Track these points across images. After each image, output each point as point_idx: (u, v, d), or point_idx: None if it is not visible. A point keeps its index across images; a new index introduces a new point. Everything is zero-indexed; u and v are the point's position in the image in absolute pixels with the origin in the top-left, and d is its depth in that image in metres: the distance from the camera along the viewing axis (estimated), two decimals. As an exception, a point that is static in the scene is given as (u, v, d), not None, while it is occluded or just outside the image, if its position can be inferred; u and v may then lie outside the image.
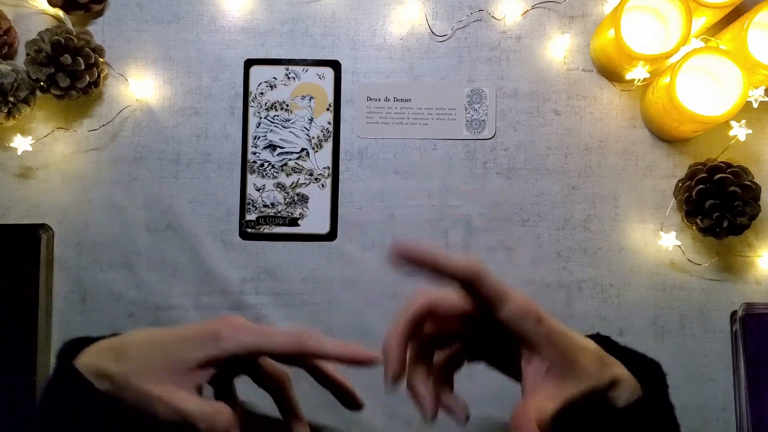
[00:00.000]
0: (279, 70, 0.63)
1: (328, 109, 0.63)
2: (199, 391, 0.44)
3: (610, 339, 0.50)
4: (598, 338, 0.48)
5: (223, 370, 0.44)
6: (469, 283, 0.42)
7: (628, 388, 0.44)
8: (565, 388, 0.42)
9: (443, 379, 0.47)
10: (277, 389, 0.49)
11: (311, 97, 0.63)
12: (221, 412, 0.43)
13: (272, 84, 0.63)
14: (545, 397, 0.41)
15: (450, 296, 0.44)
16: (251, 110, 0.63)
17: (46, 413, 0.44)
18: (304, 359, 0.47)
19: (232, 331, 0.44)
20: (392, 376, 0.43)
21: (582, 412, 0.43)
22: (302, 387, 0.60)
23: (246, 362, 0.47)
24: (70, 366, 0.44)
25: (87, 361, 0.44)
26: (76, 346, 0.46)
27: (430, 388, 0.45)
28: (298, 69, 0.63)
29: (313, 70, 0.63)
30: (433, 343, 0.46)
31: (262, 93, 0.63)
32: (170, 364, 0.43)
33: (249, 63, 0.63)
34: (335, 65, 0.63)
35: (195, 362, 0.43)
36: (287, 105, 0.63)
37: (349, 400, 0.50)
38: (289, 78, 0.63)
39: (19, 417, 0.57)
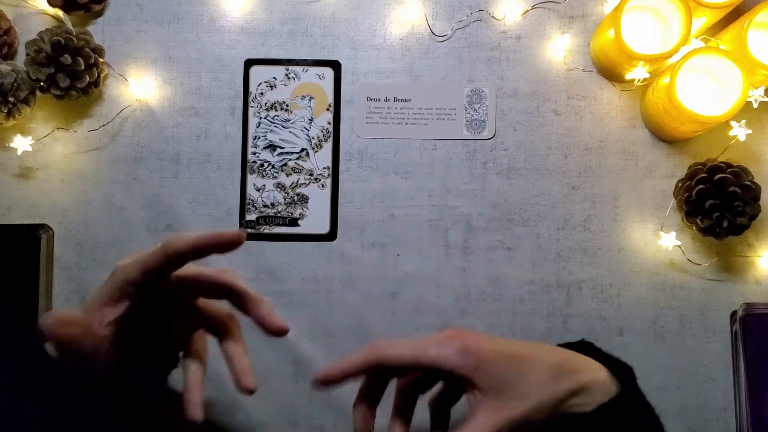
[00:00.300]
0: (279, 70, 0.63)
1: (328, 109, 0.63)
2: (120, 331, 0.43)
3: (593, 345, 0.49)
4: (582, 345, 0.48)
5: (141, 301, 0.43)
6: (377, 369, 0.44)
7: (599, 392, 0.43)
8: (503, 411, 0.42)
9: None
10: (223, 332, 0.47)
11: (311, 97, 0.63)
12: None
13: (272, 84, 0.63)
14: (476, 426, 0.42)
15: (398, 351, 0.44)
16: (251, 110, 0.63)
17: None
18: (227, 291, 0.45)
19: (128, 260, 0.43)
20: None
21: (542, 425, 0.43)
22: (302, 386, 0.61)
23: (165, 292, 0.44)
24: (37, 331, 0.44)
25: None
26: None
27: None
28: (298, 69, 0.63)
29: (313, 70, 0.63)
30: (411, 393, 0.47)
31: (262, 93, 0.63)
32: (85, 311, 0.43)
33: (249, 63, 0.63)
34: (335, 65, 0.63)
35: (99, 301, 0.42)
36: (287, 105, 0.63)
37: (241, 378, 0.46)
38: (289, 78, 0.63)
39: (20, 417, 0.57)
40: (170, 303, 0.45)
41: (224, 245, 0.43)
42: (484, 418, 0.42)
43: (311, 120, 0.63)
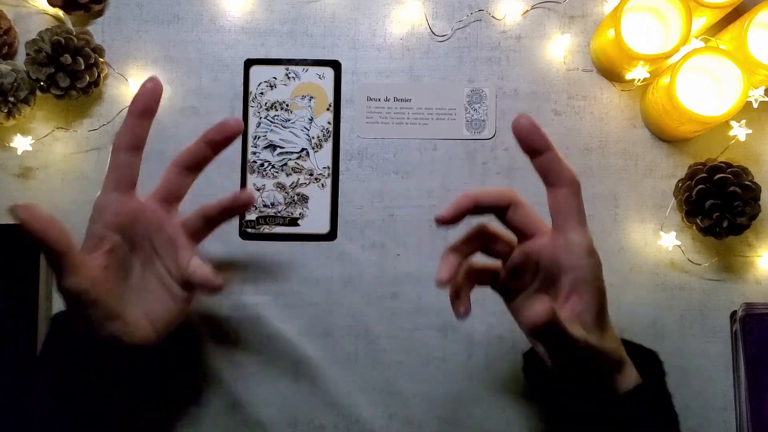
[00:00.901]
0: (279, 70, 0.63)
1: (328, 109, 0.63)
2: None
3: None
4: None
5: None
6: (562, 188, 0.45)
7: (629, 375, 0.45)
8: (589, 331, 0.43)
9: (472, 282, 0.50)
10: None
11: (311, 97, 0.63)
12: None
13: (272, 84, 0.63)
14: (576, 324, 0.43)
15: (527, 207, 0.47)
16: (251, 110, 0.63)
17: (44, 365, 0.47)
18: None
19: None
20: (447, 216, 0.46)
21: (588, 385, 0.45)
22: (302, 386, 0.61)
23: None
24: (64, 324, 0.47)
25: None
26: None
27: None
28: (298, 69, 0.63)
29: (313, 70, 0.63)
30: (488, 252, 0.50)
31: (262, 93, 0.63)
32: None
33: (249, 63, 0.63)
34: (335, 65, 0.63)
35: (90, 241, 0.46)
36: (287, 105, 0.63)
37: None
38: (289, 78, 0.63)
39: (21, 416, 0.57)
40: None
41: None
42: (583, 333, 0.43)
43: (311, 120, 0.63)
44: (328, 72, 0.63)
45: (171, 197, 0.50)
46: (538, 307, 0.38)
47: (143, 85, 0.47)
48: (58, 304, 0.61)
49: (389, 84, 0.63)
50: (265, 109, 0.63)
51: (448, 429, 0.60)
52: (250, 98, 0.63)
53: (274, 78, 0.63)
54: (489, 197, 0.46)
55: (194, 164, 0.50)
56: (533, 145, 0.43)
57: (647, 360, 0.49)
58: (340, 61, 0.63)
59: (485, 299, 0.61)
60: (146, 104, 0.47)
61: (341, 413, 0.60)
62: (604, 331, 0.45)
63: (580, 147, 0.63)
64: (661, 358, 0.50)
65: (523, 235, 0.47)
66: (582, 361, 0.44)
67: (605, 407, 0.44)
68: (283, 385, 0.60)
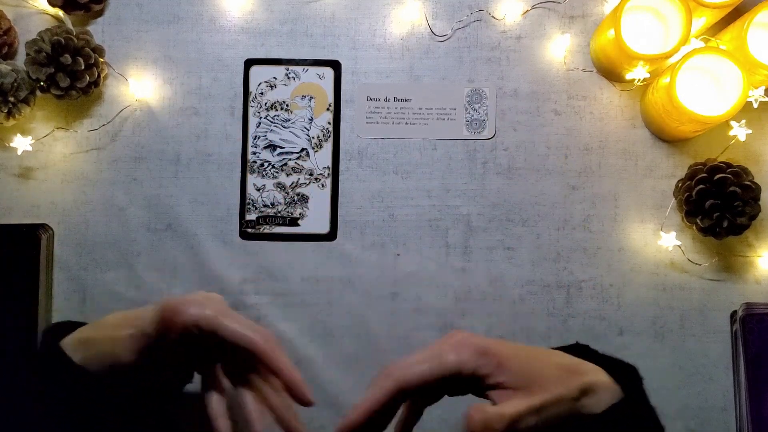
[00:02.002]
0: (279, 70, 0.63)
1: (328, 109, 0.63)
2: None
3: (589, 348, 0.50)
4: (576, 348, 0.49)
5: (186, 347, 0.44)
6: (402, 394, 0.42)
7: (605, 393, 0.44)
8: (530, 398, 0.42)
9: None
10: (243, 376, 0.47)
11: (311, 97, 0.63)
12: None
13: (272, 84, 0.63)
14: (507, 405, 0.42)
15: (417, 370, 0.43)
16: (251, 110, 0.63)
17: (29, 386, 0.46)
18: (252, 363, 0.45)
19: (191, 305, 0.43)
20: None
21: (556, 423, 0.43)
22: (302, 387, 0.60)
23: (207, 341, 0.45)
24: (55, 344, 0.46)
25: (68, 339, 0.47)
26: (62, 328, 0.49)
27: None
28: (298, 69, 0.63)
29: (313, 70, 0.63)
30: (421, 406, 0.47)
31: (262, 93, 0.63)
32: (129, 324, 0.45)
33: (249, 63, 0.63)
34: (335, 65, 0.63)
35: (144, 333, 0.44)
36: (287, 105, 0.63)
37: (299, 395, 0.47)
38: (289, 78, 0.63)
39: (20, 416, 0.57)
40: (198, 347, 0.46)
41: (297, 395, 0.45)
42: (519, 398, 0.42)
43: (311, 120, 0.63)
44: (328, 72, 0.63)
45: None
46: (470, 417, 0.40)
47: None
48: (57, 304, 0.61)
49: (389, 84, 0.63)
50: (265, 109, 0.63)
51: (448, 429, 0.60)
52: (250, 98, 0.63)
53: (274, 78, 0.63)
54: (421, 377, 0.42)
55: None
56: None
57: (626, 375, 0.48)
58: (340, 61, 0.63)
59: (485, 299, 0.62)
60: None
61: (341, 413, 0.60)
62: (543, 383, 0.43)
63: (580, 147, 0.63)
64: (640, 374, 0.49)
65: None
66: (548, 419, 0.43)
67: (584, 428, 0.44)
68: (283, 385, 0.60)
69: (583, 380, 0.44)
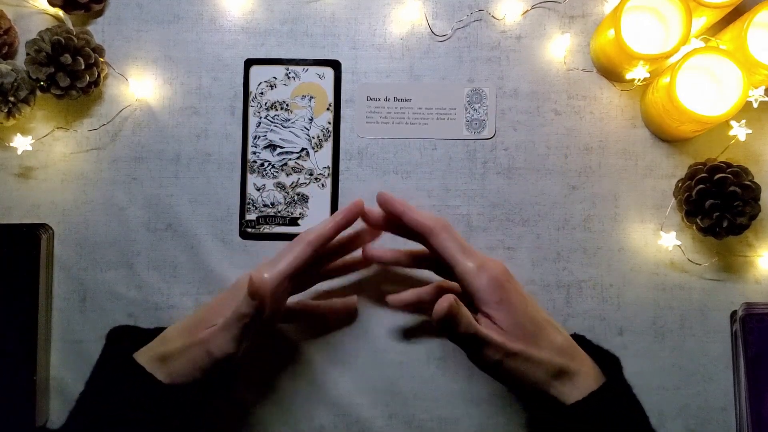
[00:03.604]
0: (279, 70, 0.63)
1: (328, 109, 0.63)
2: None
3: (584, 338, 0.53)
4: (573, 337, 0.51)
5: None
6: (424, 239, 0.50)
7: (582, 383, 0.46)
8: (507, 340, 0.45)
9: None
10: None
11: (311, 97, 0.63)
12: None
13: (272, 84, 0.63)
14: (484, 327, 0.46)
15: (449, 242, 0.50)
16: (251, 110, 0.63)
17: (122, 414, 0.47)
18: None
19: (264, 266, 0.50)
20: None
21: (520, 395, 0.48)
22: (299, 385, 0.61)
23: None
24: (130, 358, 0.49)
25: (141, 360, 0.49)
26: (122, 332, 0.53)
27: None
28: (298, 69, 0.63)
29: (313, 69, 0.63)
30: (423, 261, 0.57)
31: (262, 93, 0.63)
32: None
33: (249, 63, 0.63)
34: (335, 65, 0.63)
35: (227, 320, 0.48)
36: (287, 105, 0.63)
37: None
38: (289, 78, 0.63)
39: (20, 416, 0.57)
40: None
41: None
42: (497, 335, 0.46)
43: (311, 120, 0.63)
44: (328, 72, 0.63)
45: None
46: (440, 301, 0.43)
47: (353, 203, 0.54)
48: (57, 304, 0.61)
49: (389, 84, 0.63)
50: (265, 108, 0.63)
51: (448, 429, 0.60)
52: (250, 98, 0.63)
53: (274, 78, 0.63)
54: (413, 223, 0.51)
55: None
56: (392, 210, 0.52)
57: (606, 362, 0.49)
58: (340, 60, 0.63)
59: (485, 299, 0.62)
60: (347, 218, 0.54)
61: (341, 413, 0.60)
62: (535, 341, 0.46)
63: (580, 147, 0.63)
64: (621, 363, 0.51)
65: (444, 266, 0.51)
66: (515, 371, 0.45)
67: (558, 416, 0.45)
68: (284, 385, 0.60)
69: (569, 364, 0.46)
